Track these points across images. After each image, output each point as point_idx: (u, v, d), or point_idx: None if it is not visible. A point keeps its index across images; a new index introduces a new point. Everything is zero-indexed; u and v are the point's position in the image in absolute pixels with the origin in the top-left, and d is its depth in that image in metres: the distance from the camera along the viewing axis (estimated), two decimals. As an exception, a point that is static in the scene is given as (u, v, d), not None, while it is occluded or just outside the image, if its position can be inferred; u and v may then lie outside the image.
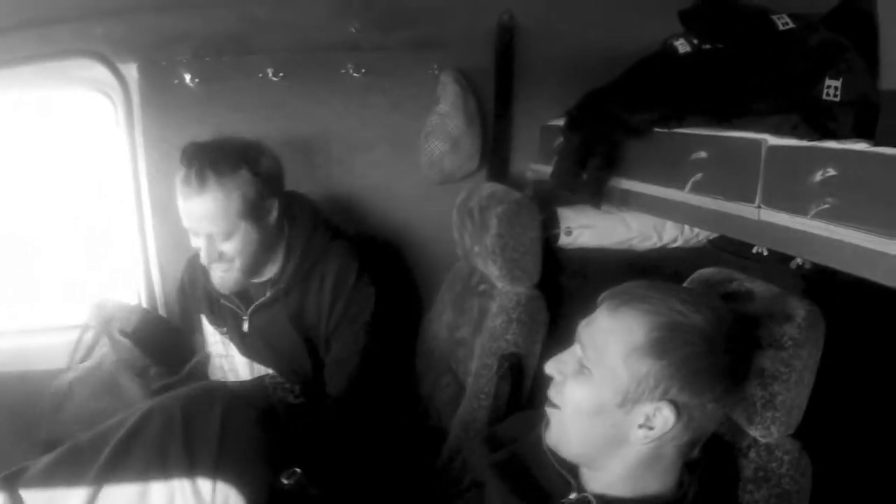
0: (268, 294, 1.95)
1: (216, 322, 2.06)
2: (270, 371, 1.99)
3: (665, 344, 1.09)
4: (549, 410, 1.22)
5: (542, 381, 1.81)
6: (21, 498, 1.39)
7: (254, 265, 1.91)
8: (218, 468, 1.38)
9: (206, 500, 1.38)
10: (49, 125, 2.32)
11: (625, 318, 1.12)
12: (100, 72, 2.11)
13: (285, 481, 1.27)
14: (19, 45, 1.98)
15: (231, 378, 2.06)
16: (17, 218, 2.43)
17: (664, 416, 1.11)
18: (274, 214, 1.87)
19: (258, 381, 1.95)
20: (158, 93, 2.15)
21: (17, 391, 2.12)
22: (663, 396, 1.10)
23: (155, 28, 2.11)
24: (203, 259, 1.85)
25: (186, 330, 2.17)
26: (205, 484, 1.37)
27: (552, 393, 1.21)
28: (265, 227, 1.86)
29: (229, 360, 2.06)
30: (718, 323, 1.12)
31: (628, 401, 1.11)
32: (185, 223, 1.82)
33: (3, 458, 1.64)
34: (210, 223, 1.79)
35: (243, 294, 1.99)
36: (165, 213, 2.18)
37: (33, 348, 2.25)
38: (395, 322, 2.05)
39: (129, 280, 2.34)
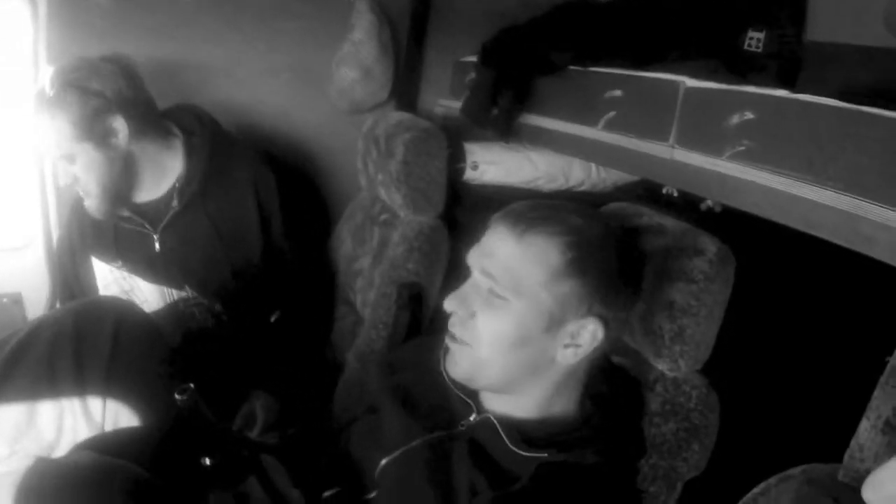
0: (176, 203, 1.83)
1: (109, 257, 1.90)
2: (184, 294, 1.87)
3: (583, 262, 1.09)
4: (453, 346, 1.16)
5: (442, 312, 1.81)
6: None
7: (112, 189, 1.77)
8: (109, 385, 1.31)
9: (97, 418, 1.30)
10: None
11: (535, 242, 1.10)
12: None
13: (178, 396, 1.20)
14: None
15: None
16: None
17: (591, 332, 1.11)
18: (122, 134, 1.73)
19: (171, 309, 1.84)
20: (67, 8, 1.98)
21: None
22: (588, 313, 1.10)
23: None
24: (60, 184, 1.78)
25: (82, 281, 1.99)
26: (95, 402, 1.30)
27: (457, 329, 1.16)
28: (112, 148, 1.74)
29: (136, 294, 1.90)
30: (613, 230, 1.15)
31: (554, 323, 1.10)
32: None
33: None
34: (54, 145, 1.71)
35: (145, 213, 1.85)
36: None
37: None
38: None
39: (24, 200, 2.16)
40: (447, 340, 1.18)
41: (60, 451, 1.31)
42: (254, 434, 1.62)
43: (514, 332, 1.11)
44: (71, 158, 1.71)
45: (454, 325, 1.16)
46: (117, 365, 1.32)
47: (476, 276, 1.15)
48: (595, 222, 1.14)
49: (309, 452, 1.35)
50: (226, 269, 1.86)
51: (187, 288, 1.87)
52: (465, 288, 1.16)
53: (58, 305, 2.11)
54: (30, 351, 1.33)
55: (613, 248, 1.13)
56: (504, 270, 1.10)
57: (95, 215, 1.80)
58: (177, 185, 1.84)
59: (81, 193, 1.77)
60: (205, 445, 1.26)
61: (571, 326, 1.11)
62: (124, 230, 1.86)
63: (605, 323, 1.11)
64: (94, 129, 1.69)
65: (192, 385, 1.21)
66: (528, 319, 1.10)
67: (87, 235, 1.93)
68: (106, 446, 1.23)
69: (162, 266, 1.86)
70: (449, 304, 1.16)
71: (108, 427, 1.31)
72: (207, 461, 1.24)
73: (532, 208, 1.15)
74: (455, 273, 1.84)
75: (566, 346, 1.12)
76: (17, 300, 2.14)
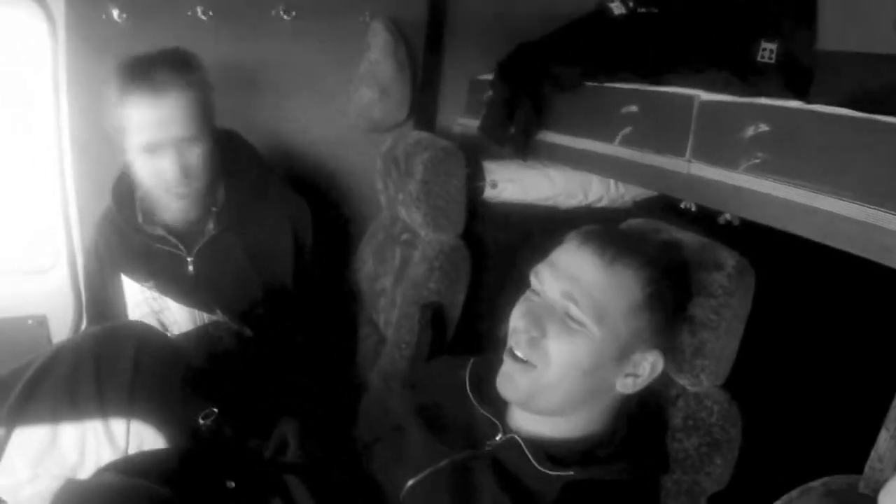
0: (213, 228, 1.83)
1: (141, 277, 1.88)
2: (214, 318, 1.87)
3: (659, 297, 1.12)
4: (514, 366, 1.14)
5: (464, 331, 1.82)
6: None
7: (208, 185, 1.78)
8: (132, 407, 1.31)
9: (120, 441, 1.31)
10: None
11: (622, 272, 1.10)
12: (25, 4, 1.95)
13: (202, 421, 1.21)
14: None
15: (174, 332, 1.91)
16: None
17: (651, 363, 1.13)
18: (214, 125, 1.77)
19: (200, 332, 1.85)
20: (85, 27, 2.01)
21: None
22: (652, 345, 1.13)
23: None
24: (171, 174, 1.68)
25: (111, 300, 1.95)
26: (118, 424, 1.30)
27: (523, 350, 1.13)
28: (213, 139, 1.75)
29: (166, 315, 1.90)
30: (676, 264, 1.18)
31: (623, 354, 1.12)
32: (147, 137, 1.65)
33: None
34: (179, 126, 1.65)
35: (180, 234, 1.85)
36: (86, 152, 2.06)
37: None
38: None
39: (48, 223, 2.18)
40: (506, 359, 1.16)
41: (84, 473, 1.31)
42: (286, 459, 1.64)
43: (588, 360, 1.10)
44: (195, 140, 1.69)
45: (519, 345, 1.14)
46: (139, 387, 1.33)
47: (553, 297, 1.12)
48: (666, 255, 1.17)
49: (333, 473, 1.36)
50: (257, 294, 1.86)
51: (218, 311, 1.87)
52: (537, 308, 1.14)
53: (84, 325, 2.13)
54: (51, 374, 1.33)
55: (680, 284, 1.17)
56: (588, 297, 1.09)
57: (182, 216, 1.80)
58: (214, 209, 1.84)
59: (178, 187, 1.71)
60: (228, 468, 1.27)
61: (636, 357, 1.13)
62: (157, 250, 1.84)
63: (664, 354, 1.14)
64: (211, 112, 1.74)
65: (215, 409, 1.22)
66: (603, 348, 1.10)
67: (115, 254, 1.90)
68: (131, 468, 1.25)
69: (193, 289, 1.86)
70: (520, 323, 1.14)
71: (132, 449, 1.32)
72: (231, 484, 1.25)
73: (618, 235, 1.17)
74: (476, 291, 1.86)
75: (626, 375, 1.13)
76: (42, 322, 2.15)
